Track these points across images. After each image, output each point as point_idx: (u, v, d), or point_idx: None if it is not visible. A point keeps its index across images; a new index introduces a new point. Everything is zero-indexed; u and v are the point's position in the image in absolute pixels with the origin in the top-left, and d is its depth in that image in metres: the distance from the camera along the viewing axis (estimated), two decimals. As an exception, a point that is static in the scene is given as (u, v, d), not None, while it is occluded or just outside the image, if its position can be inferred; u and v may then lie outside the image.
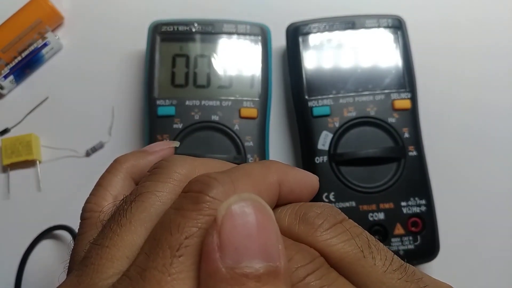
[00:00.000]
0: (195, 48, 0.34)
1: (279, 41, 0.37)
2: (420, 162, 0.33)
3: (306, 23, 0.34)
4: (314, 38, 0.34)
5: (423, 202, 0.32)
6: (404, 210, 0.32)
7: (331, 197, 0.32)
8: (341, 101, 0.33)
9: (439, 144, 0.36)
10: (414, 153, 0.33)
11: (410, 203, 0.32)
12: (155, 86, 0.34)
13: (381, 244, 0.17)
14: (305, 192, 0.22)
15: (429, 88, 0.37)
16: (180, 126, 0.32)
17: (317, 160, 0.32)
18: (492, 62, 0.39)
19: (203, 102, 0.33)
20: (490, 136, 0.37)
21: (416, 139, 0.33)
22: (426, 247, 0.32)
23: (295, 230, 0.16)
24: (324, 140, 0.33)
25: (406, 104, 0.33)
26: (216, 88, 0.34)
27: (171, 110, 0.33)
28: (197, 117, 0.33)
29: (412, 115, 0.33)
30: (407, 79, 0.34)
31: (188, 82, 0.34)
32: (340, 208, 0.32)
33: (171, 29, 0.34)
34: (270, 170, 0.18)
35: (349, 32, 0.34)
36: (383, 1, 0.39)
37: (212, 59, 0.34)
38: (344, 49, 0.34)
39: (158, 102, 0.33)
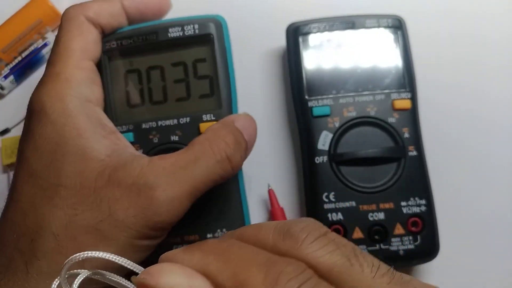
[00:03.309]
0: (145, 60, 0.31)
1: (279, 41, 0.37)
2: (420, 162, 0.33)
3: (306, 23, 0.34)
4: (314, 38, 0.34)
5: (423, 202, 0.32)
6: (404, 210, 0.32)
7: (331, 197, 0.32)
8: (341, 101, 0.33)
9: (439, 144, 0.36)
10: (414, 153, 0.33)
11: (410, 203, 0.32)
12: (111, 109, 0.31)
13: (365, 252, 0.17)
14: (152, 12, 0.31)
15: (429, 87, 0.37)
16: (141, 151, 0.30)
17: (317, 160, 0.32)
18: (493, 62, 0.39)
19: (159, 123, 0.30)
20: (490, 136, 0.37)
21: (416, 139, 0.33)
22: (426, 247, 0.32)
23: (281, 245, 0.17)
24: (324, 140, 0.33)
25: (406, 104, 0.33)
26: (174, 101, 0.31)
27: (129, 136, 0.30)
28: (155, 140, 0.30)
29: (412, 115, 0.33)
30: (407, 79, 0.34)
31: (144, 99, 0.31)
32: (340, 208, 0.32)
33: (115, 45, 0.31)
34: None
35: (349, 32, 0.34)
36: (383, 1, 0.39)
37: (165, 69, 0.31)
38: (344, 49, 0.34)
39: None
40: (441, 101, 0.38)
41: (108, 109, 0.30)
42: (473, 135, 0.37)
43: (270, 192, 0.34)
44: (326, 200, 0.32)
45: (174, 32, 0.31)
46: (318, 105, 0.33)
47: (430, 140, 0.35)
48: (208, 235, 0.30)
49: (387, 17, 0.35)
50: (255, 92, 0.38)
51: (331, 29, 0.34)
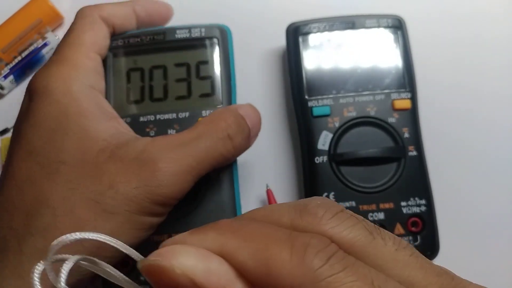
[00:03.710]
0: (149, 59, 0.32)
1: (279, 41, 0.37)
2: (420, 162, 0.33)
3: (306, 23, 0.34)
4: (314, 38, 0.34)
5: (423, 202, 0.32)
6: (404, 210, 0.32)
7: (331, 197, 0.32)
8: (341, 101, 0.33)
9: (439, 144, 0.36)
10: (414, 153, 0.33)
11: (410, 203, 0.32)
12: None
13: (383, 228, 0.17)
14: (160, 16, 0.33)
15: (429, 87, 0.37)
16: None
17: (317, 160, 0.32)
18: (493, 62, 0.39)
19: (158, 116, 0.31)
20: (490, 136, 0.37)
21: (416, 139, 0.33)
22: (426, 247, 0.32)
23: (299, 222, 0.16)
24: (324, 140, 0.33)
25: (406, 104, 0.33)
26: (174, 99, 0.32)
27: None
28: (152, 133, 0.30)
29: (412, 115, 0.33)
30: (407, 79, 0.34)
31: (144, 96, 0.32)
32: (340, 208, 0.32)
33: (122, 43, 0.32)
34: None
35: (349, 32, 0.34)
36: (383, 1, 0.39)
37: (168, 69, 0.32)
38: (344, 49, 0.34)
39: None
40: (441, 101, 0.38)
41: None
42: (473, 135, 0.37)
43: (269, 192, 0.34)
44: (326, 200, 0.32)
45: (181, 34, 0.32)
46: (318, 105, 0.33)
47: (430, 140, 0.35)
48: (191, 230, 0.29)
49: (387, 17, 0.35)
50: (255, 92, 0.38)
51: (331, 29, 0.34)
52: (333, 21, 0.34)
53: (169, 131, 0.30)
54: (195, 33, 0.32)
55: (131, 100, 0.32)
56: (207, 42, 0.32)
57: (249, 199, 0.36)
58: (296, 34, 0.34)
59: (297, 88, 0.34)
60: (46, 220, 0.24)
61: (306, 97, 0.33)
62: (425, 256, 0.33)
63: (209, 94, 0.31)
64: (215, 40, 0.32)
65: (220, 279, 0.15)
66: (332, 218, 0.16)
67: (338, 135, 0.33)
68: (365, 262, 0.15)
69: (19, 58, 0.38)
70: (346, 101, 0.33)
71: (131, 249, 0.17)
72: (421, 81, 0.35)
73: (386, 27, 0.34)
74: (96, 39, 0.30)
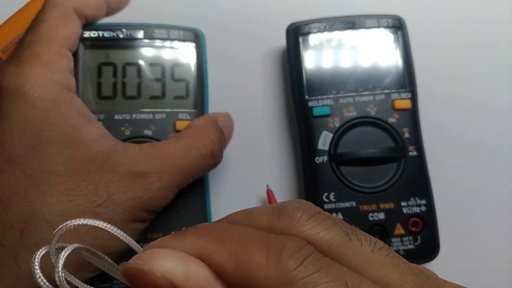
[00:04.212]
0: (123, 55, 0.31)
1: (279, 41, 0.37)
2: (420, 162, 0.33)
3: (306, 23, 0.34)
4: (314, 38, 0.34)
5: (423, 202, 0.32)
6: (404, 210, 0.32)
7: (331, 197, 0.32)
8: (341, 101, 0.33)
9: (439, 144, 0.36)
10: (414, 153, 0.33)
11: (410, 203, 0.32)
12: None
13: (360, 229, 0.17)
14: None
15: (429, 88, 0.37)
16: None
17: (317, 160, 0.32)
18: (493, 62, 0.39)
19: (133, 116, 0.30)
20: (490, 136, 0.37)
21: (416, 139, 0.33)
22: (426, 247, 0.32)
23: (277, 225, 0.17)
24: (324, 140, 0.33)
25: (406, 104, 0.33)
26: (148, 99, 0.31)
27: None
28: (127, 133, 0.30)
29: (412, 115, 0.33)
30: (407, 79, 0.34)
31: (117, 93, 0.31)
32: (340, 208, 0.32)
33: (96, 35, 0.31)
34: None
35: (349, 32, 0.34)
36: (383, 1, 0.39)
37: (143, 67, 0.32)
38: (344, 49, 0.34)
39: None
40: (441, 101, 0.38)
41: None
42: (473, 135, 0.37)
43: (269, 192, 0.34)
44: (326, 200, 0.32)
45: (160, 34, 0.32)
46: (318, 105, 0.33)
47: (430, 140, 0.35)
48: (173, 233, 0.29)
49: (387, 17, 0.35)
50: (255, 92, 0.38)
51: (331, 29, 0.34)
52: (333, 21, 0.34)
53: (145, 132, 0.30)
54: (173, 36, 0.32)
55: (103, 95, 0.31)
56: (184, 45, 0.32)
57: (250, 199, 0.36)
58: (296, 34, 0.34)
59: (297, 88, 0.34)
60: (45, 235, 0.23)
61: (306, 97, 0.33)
62: (425, 256, 0.33)
63: (183, 96, 0.32)
64: (192, 44, 0.32)
65: (199, 281, 0.15)
66: (309, 220, 0.16)
67: (338, 135, 0.33)
68: (341, 263, 0.15)
69: (19, 58, 0.38)
70: (346, 101, 0.33)
71: (131, 239, 0.17)
72: (421, 81, 0.35)
73: (386, 27, 0.34)
74: (69, 34, 0.28)
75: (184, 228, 0.28)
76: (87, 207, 0.24)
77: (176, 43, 0.32)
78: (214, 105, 0.35)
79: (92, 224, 0.17)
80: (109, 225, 0.17)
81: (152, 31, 0.32)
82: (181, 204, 0.30)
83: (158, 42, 0.32)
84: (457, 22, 0.39)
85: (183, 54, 0.32)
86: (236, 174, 0.36)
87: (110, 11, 0.32)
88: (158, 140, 0.30)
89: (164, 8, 0.39)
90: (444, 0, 0.40)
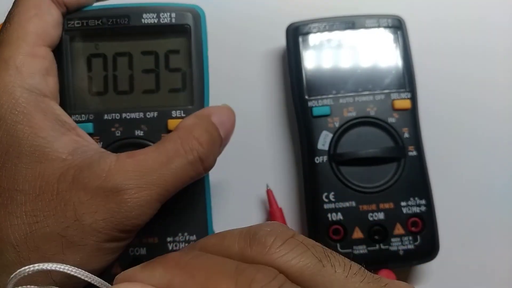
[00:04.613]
0: (112, 45, 0.28)
1: (279, 41, 0.37)
2: (420, 162, 0.33)
3: (306, 23, 0.34)
4: (314, 38, 0.34)
5: (423, 202, 0.32)
6: (404, 210, 0.32)
7: (331, 197, 0.32)
8: (341, 101, 0.33)
9: (439, 144, 0.36)
10: (414, 153, 0.33)
11: (410, 203, 0.32)
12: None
13: (335, 252, 0.17)
14: None
15: (429, 88, 0.37)
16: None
17: (317, 160, 0.32)
18: (493, 62, 0.39)
19: (123, 115, 0.28)
20: (490, 136, 0.37)
21: (416, 139, 0.33)
22: (426, 247, 0.32)
23: (248, 252, 0.16)
24: (324, 140, 0.33)
25: (406, 104, 0.33)
26: (141, 93, 0.28)
27: (88, 127, 0.28)
28: (118, 133, 0.28)
29: (412, 115, 0.33)
30: (407, 79, 0.34)
31: (108, 88, 0.28)
32: (340, 208, 0.32)
33: (80, 25, 0.28)
34: None
35: (349, 32, 0.34)
36: (383, 1, 0.39)
37: (134, 57, 0.29)
38: (344, 49, 0.34)
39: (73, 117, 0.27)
40: (441, 100, 0.38)
41: (65, 95, 0.27)
42: (473, 135, 0.37)
43: (269, 192, 0.34)
44: (326, 200, 0.32)
45: (148, 19, 0.28)
46: (318, 105, 0.33)
47: (430, 140, 0.35)
48: (168, 239, 0.28)
49: (387, 17, 0.35)
50: (255, 92, 0.38)
51: (331, 29, 0.34)
52: (333, 21, 0.34)
53: (136, 132, 0.28)
54: (164, 19, 0.28)
55: (93, 91, 0.28)
56: (178, 29, 0.28)
57: (250, 200, 0.36)
58: (296, 34, 0.34)
59: (297, 88, 0.34)
60: (10, 257, 0.22)
61: (306, 97, 0.33)
62: (424, 256, 0.33)
63: (179, 89, 0.28)
64: (187, 27, 0.28)
65: None
66: (281, 246, 0.16)
67: (338, 135, 0.33)
68: None
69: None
70: (346, 101, 0.33)
71: (94, 276, 0.17)
72: (421, 81, 0.35)
73: (386, 27, 0.34)
74: (44, 28, 0.25)
75: (184, 234, 0.28)
76: (55, 229, 0.22)
77: (168, 26, 0.28)
78: (214, 105, 0.35)
79: (48, 268, 0.16)
80: (65, 266, 0.16)
81: (140, 15, 0.28)
82: (180, 207, 0.28)
83: (148, 27, 0.28)
84: (457, 22, 0.39)
85: (178, 38, 0.29)
86: (236, 174, 0.36)
87: None
88: (150, 141, 0.27)
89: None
90: (444, 0, 0.40)
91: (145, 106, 0.28)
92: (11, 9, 0.25)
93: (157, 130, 0.28)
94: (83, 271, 0.17)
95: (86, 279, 0.17)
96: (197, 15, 0.29)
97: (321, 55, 0.34)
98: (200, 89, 0.28)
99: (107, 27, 0.28)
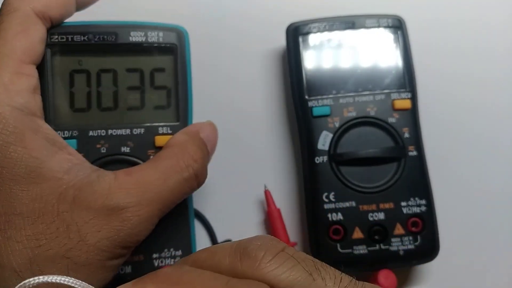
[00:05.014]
0: (96, 61, 0.28)
1: (279, 41, 0.37)
2: (420, 162, 0.33)
3: (306, 23, 0.34)
4: (314, 38, 0.34)
5: (423, 202, 0.32)
6: (404, 210, 0.32)
7: (331, 197, 0.32)
8: (341, 101, 0.33)
9: (439, 144, 0.36)
10: (414, 153, 0.33)
11: (410, 203, 0.32)
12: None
13: (326, 264, 0.17)
14: None
15: (429, 88, 0.37)
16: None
17: (317, 160, 0.32)
18: (493, 62, 0.39)
19: (109, 131, 0.28)
20: (490, 136, 0.37)
21: (416, 139, 0.33)
22: (426, 247, 0.32)
23: (239, 267, 0.16)
24: (324, 140, 0.33)
25: (406, 104, 0.33)
26: (126, 110, 0.28)
27: (72, 144, 0.27)
28: (103, 150, 0.28)
29: (412, 115, 0.33)
30: (407, 79, 0.34)
31: (91, 104, 0.28)
32: (340, 208, 0.32)
33: (64, 40, 0.27)
34: None
35: (349, 32, 0.34)
36: (383, 1, 0.39)
37: (119, 74, 0.29)
38: (344, 49, 0.34)
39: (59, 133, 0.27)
40: (441, 101, 0.38)
41: (47, 111, 0.27)
42: (473, 135, 0.37)
43: (267, 193, 0.34)
44: (326, 200, 0.32)
45: (136, 37, 0.28)
46: (318, 105, 0.33)
47: (430, 140, 0.35)
48: (154, 255, 0.28)
49: (387, 17, 0.35)
50: (255, 92, 0.38)
51: (331, 29, 0.34)
52: (333, 21, 0.34)
53: (122, 149, 0.28)
54: (152, 38, 0.29)
55: (76, 108, 0.28)
56: (165, 48, 0.29)
57: (249, 200, 0.36)
58: (296, 34, 0.34)
59: (297, 88, 0.34)
60: (12, 283, 0.21)
61: (306, 97, 0.33)
62: (424, 256, 0.33)
63: (164, 106, 0.29)
64: (174, 46, 0.29)
65: None
66: (272, 260, 0.16)
67: (338, 135, 0.33)
68: None
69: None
70: (346, 101, 0.33)
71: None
72: (421, 81, 0.35)
73: (386, 27, 0.34)
74: (30, 44, 0.24)
75: (170, 250, 0.28)
76: (59, 251, 0.22)
77: (155, 45, 0.29)
78: (214, 105, 0.35)
79: (51, 280, 0.16)
80: (68, 278, 0.17)
81: (128, 32, 0.28)
82: (162, 224, 0.27)
83: (135, 45, 0.28)
84: (457, 22, 0.39)
85: (164, 57, 0.29)
86: (235, 174, 0.36)
87: (80, 5, 0.28)
88: (136, 157, 0.28)
89: (160, 5, 0.39)
90: (444, 0, 0.40)
91: (130, 123, 0.28)
92: None
93: (144, 147, 0.28)
94: (87, 284, 0.17)
95: None
96: (182, 35, 0.29)
97: (321, 55, 0.34)
98: (184, 106, 0.29)
99: (93, 43, 0.28)
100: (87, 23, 0.28)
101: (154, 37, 0.29)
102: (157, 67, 0.29)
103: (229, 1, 0.39)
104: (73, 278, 0.17)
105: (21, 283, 0.16)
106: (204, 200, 0.35)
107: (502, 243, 0.36)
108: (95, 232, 0.23)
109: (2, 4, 0.25)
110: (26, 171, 0.22)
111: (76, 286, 0.17)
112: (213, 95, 0.36)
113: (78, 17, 0.28)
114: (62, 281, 0.17)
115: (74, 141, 0.27)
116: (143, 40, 0.28)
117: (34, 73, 0.25)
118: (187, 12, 0.38)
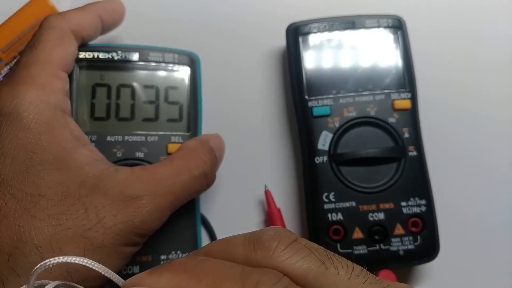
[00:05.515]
0: (117, 77, 0.32)
1: (279, 41, 0.37)
2: (420, 162, 0.33)
3: (306, 23, 0.34)
4: (314, 38, 0.34)
5: (423, 202, 0.32)
6: (404, 210, 0.32)
7: (331, 197, 0.32)
8: (341, 101, 0.33)
9: (439, 144, 0.36)
10: (414, 153, 0.33)
11: (410, 203, 0.32)
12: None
13: (337, 254, 0.17)
14: (119, 16, 0.32)
15: (429, 88, 0.37)
16: None
17: (317, 160, 0.32)
18: (494, 61, 0.39)
19: (126, 138, 0.30)
20: (491, 136, 0.37)
21: (416, 139, 0.33)
22: (426, 247, 0.32)
23: (253, 256, 0.17)
24: (324, 140, 0.33)
25: (406, 104, 0.33)
26: (141, 121, 0.31)
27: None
28: (119, 154, 0.30)
29: (412, 115, 0.33)
30: (407, 79, 0.34)
31: (110, 114, 0.31)
32: (340, 208, 0.32)
33: (91, 57, 0.31)
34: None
35: (349, 32, 0.34)
36: (383, 1, 0.39)
37: (137, 89, 0.32)
38: (344, 49, 0.34)
39: None
40: (441, 101, 0.38)
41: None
42: (473, 135, 0.37)
43: (267, 193, 0.34)
44: (326, 200, 0.32)
45: (155, 57, 0.32)
46: (318, 105, 0.33)
47: (430, 140, 0.35)
48: (162, 256, 0.30)
49: (387, 17, 0.35)
50: (255, 92, 0.38)
51: (331, 29, 0.34)
52: (333, 21, 0.34)
53: (137, 154, 0.30)
54: (168, 59, 0.32)
55: (96, 116, 0.31)
56: (178, 68, 0.32)
57: (249, 200, 0.36)
58: (296, 34, 0.34)
59: (297, 88, 0.34)
60: (32, 259, 0.23)
61: (306, 97, 0.33)
62: (424, 256, 0.33)
63: (177, 119, 0.32)
64: (186, 68, 0.32)
65: None
66: (285, 249, 0.16)
67: (338, 135, 0.33)
68: None
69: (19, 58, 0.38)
70: (346, 101, 0.33)
71: (112, 272, 0.18)
72: (421, 81, 0.35)
73: (386, 27, 0.34)
74: (65, 56, 0.28)
75: (177, 252, 0.30)
76: (77, 231, 0.24)
77: (170, 66, 0.32)
78: (214, 105, 0.35)
79: (70, 261, 0.17)
80: (87, 260, 0.17)
81: (147, 54, 0.32)
82: (170, 226, 0.29)
83: (153, 65, 0.32)
84: (457, 22, 0.39)
85: (178, 77, 0.32)
86: (235, 174, 0.36)
87: (104, 30, 0.32)
88: (149, 162, 0.30)
89: (163, 10, 0.39)
90: (444, 0, 0.40)
91: (146, 131, 0.31)
92: (35, 36, 0.28)
93: (157, 153, 0.30)
94: (103, 266, 0.18)
95: (105, 274, 0.18)
96: (194, 59, 0.33)
97: (321, 55, 0.34)
98: (195, 119, 0.32)
99: (115, 60, 0.32)
100: (112, 45, 0.32)
101: (170, 58, 0.32)
102: (171, 85, 0.32)
103: (229, 1, 0.39)
104: (90, 260, 0.18)
105: (42, 263, 0.17)
106: (205, 200, 0.35)
107: (502, 243, 0.36)
108: (112, 216, 0.25)
109: (43, 21, 0.29)
110: (54, 158, 0.25)
111: (93, 267, 0.18)
112: (213, 95, 0.36)
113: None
114: (80, 262, 0.18)
115: (93, 145, 0.29)
116: (161, 60, 0.32)
117: (67, 79, 0.29)
118: (187, 11, 0.38)
